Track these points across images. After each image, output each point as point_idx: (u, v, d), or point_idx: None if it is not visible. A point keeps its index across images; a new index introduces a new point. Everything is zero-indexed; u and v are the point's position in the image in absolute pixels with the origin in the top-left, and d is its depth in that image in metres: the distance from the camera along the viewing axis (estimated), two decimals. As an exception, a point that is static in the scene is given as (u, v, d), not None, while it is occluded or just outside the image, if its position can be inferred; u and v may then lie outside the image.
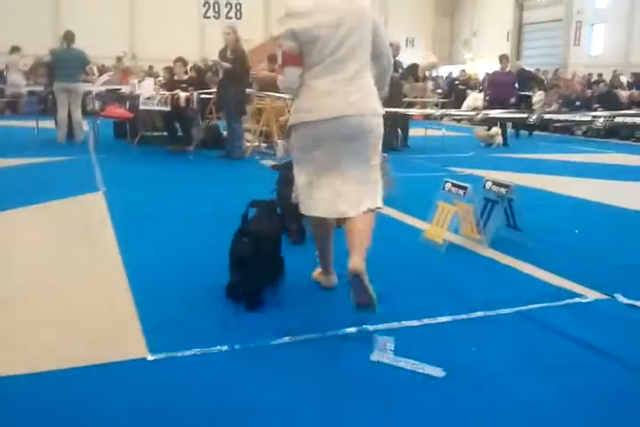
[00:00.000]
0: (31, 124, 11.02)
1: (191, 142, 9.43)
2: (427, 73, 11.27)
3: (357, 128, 3.03)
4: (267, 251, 3.22)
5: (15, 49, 15.28)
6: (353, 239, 2.98)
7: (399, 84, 9.99)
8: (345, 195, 3.07)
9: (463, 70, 23.86)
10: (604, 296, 3.44)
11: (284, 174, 4.33)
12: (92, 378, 2.42)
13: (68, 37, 9.85)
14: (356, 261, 2.84)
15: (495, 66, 12.15)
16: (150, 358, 2.59)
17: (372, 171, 3.16)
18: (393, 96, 9.68)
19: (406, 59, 11.65)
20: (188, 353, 2.62)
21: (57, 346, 2.69)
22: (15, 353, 2.62)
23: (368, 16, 3.02)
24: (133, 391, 2.34)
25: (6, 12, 24.08)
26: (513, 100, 11.32)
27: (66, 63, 9.66)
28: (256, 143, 9.67)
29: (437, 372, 2.51)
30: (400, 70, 10.27)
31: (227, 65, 8.20)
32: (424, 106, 12.10)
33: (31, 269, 3.77)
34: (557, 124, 12.30)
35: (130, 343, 2.73)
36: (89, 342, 2.74)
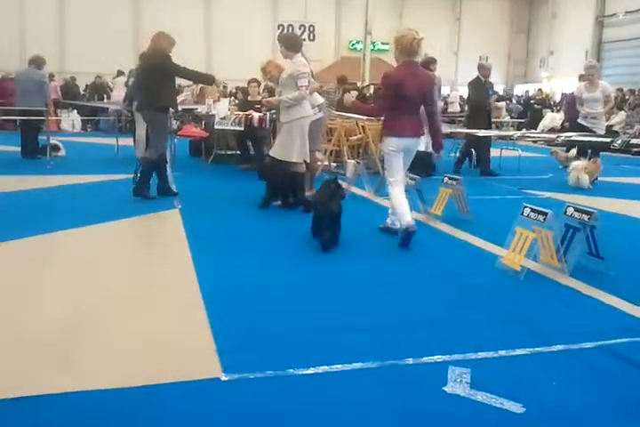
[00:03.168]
0: (111, 141, 11.50)
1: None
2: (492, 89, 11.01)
3: None
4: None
5: (120, 73, 16.95)
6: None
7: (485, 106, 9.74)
8: None
9: (539, 89, 23.32)
10: (694, 332, 3.23)
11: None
12: (164, 397, 2.45)
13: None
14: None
15: (573, 85, 11.80)
16: (224, 378, 2.61)
17: None
18: (482, 117, 9.46)
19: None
20: (261, 375, 2.63)
21: (131, 363, 2.76)
22: (90, 370, 2.69)
23: None
24: (205, 412, 2.36)
25: (89, 33, 25.48)
26: None
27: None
28: (326, 163, 9.73)
29: (516, 408, 2.41)
30: (491, 92, 9.98)
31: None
32: (499, 126, 11.92)
33: (109, 285, 3.89)
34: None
35: (204, 363, 2.76)
36: (163, 360, 2.79)
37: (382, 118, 5.36)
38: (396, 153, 5.14)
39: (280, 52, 6.50)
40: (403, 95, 4.99)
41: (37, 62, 10.32)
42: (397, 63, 5.15)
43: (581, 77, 11.71)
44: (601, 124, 9.01)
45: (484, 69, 9.72)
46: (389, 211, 5.47)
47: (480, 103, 9.49)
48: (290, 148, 6.32)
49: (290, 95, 6.25)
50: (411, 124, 5.12)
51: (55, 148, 10.68)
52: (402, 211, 5.07)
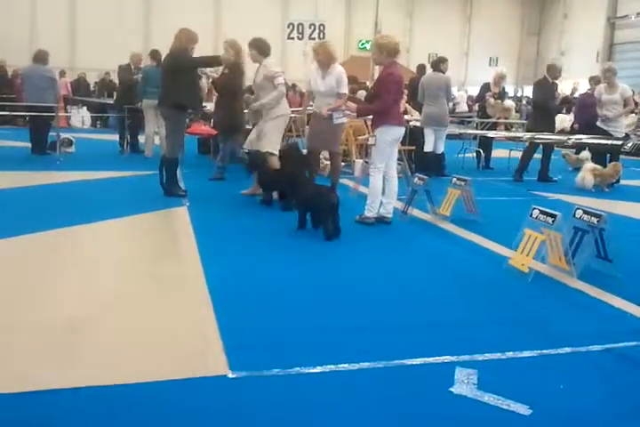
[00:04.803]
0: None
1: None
2: (500, 88, 10.83)
3: None
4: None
5: None
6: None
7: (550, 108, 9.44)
8: None
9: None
10: (703, 336, 3.22)
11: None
12: (171, 393, 2.46)
13: (156, 56, 10.29)
14: None
15: (583, 87, 11.75)
16: (231, 375, 2.61)
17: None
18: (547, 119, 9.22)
19: (489, 78, 11.42)
20: (268, 373, 2.64)
21: (137, 360, 2.77)
22: (97, 366, 2.70)
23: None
24: (212, 409, 2.36)
25: (100, 31, 25.59)
26: None
27: (154, 81, 10.06)
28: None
29: (523, 409, 2.41)
30: (558, 94, 9.68)
31: (213, 74, 7.87)
32: (508, 127, 11.87)
33: (116, 281, 3.91)
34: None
35: (211, 360, 2.77)
36: (170, 356, 2.80)
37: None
38: (394, 141, 5.79)
39: (250, 55, 6.81)
40: (399, 90, 5.80)
41: (43, 58, 10.37)
42: (382, 64, 5.83)
43: (592, 79, 11.67)
44: (619, 127, 8.94)
45: (553, 70, 9.35)
46: (367, 202, 5.76)
47: (546, 104, 9.24)
48: (276, 141, 6.68)
49: (270, 96, 6.58)
50: (402, 115, 6.16)
51: (68, 142, 10.72)
52: (379, 200, 5.72)
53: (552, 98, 9.36)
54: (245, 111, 9.20)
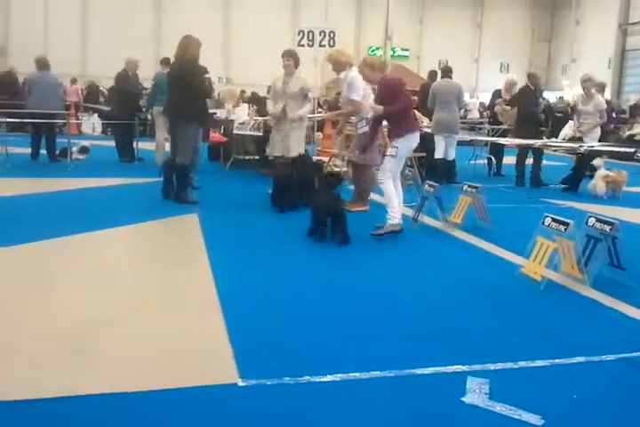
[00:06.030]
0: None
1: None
2: (511, 95, 10.83)
3: None
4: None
5: None
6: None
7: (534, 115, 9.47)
8: None
9: (561, 97, 23.11)
10: None
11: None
12: (181, 401, 2.45)
13: (169, 63, 10.33)
14: None
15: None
16: (241, 384, 2.60)
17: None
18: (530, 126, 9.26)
19: (499, 85, 11.44)
20: (278, 381, 2.62)
21: (147, 367, 2.76)
22: (109, 373, 2.70)
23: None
24: (222, 417, 2.35)
25: (114, 39, 25.81)
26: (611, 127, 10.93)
27: (164, 88, 10.09)
28: (344, 169, 9.70)
29: (535, 419, 2.38)
30: (542, 100, 9.77)
31: None
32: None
33: (126, 289, 3.91)
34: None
35: (221, 368, 2.76)
36: (180, 364, 2.80)
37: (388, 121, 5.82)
38: (412, 148, 5.79)
39: (287, 66, 7.08)
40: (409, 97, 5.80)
41: (47, 65, 10.46)
42: (376, 82, 5.65)
43: (597, 86, 11.63)
44: (589, 138, 8.83)
45: (533, 78, 9.51)
46: (388, 210, 5.49)
47: (528, 112, 9.30)
48: (302, 145, 7.25)
49: (306, 108, 7.21)
50: (415, 119, 6.37)
51: (84, 150, 10.81)
52: (397, 204, 5.49)
53: (534, 105, 9.43)
54: (266, 118, 9.27)
